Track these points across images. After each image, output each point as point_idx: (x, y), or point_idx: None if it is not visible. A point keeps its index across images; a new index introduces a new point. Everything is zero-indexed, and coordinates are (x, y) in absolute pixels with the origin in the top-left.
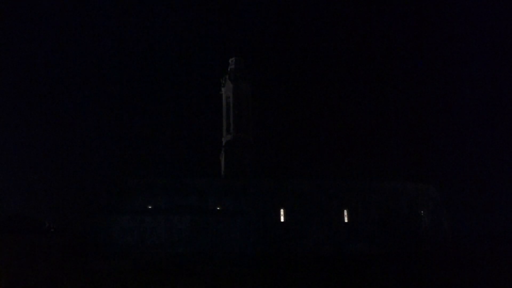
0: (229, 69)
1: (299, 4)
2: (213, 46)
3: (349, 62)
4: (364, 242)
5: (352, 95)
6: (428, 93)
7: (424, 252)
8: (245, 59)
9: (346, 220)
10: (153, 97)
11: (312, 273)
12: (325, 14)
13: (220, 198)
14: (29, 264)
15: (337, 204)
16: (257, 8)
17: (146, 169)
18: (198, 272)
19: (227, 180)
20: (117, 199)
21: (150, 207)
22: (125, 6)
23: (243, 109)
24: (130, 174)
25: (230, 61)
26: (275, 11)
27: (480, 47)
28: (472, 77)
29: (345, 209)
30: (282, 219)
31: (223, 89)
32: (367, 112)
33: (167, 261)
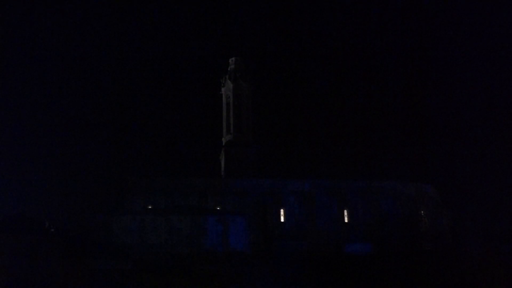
0: (229, 69)
1: (299, 4)
2: (213, 46)
3: (349, 62)
4: (364, 242)
5: (352, 95)
6: (428, 93)
7: (424, 252)
8: (245, 59)
9: (346, 220)
10: (153, 97)
11: (312, 273)
12: (325, 14)
13: (220, 198)
14: (29, 264)
15: (337, 204)
16: (257, 8)
17: (146, 169)
18: (198, 272)
19: (227, 180)
20: (117, 199)
21: (150, 207)
22: (125, 6)
23: (243, 109)
24: (130, 174)
25: (230, 61)
26: (275, 11)
27: (480, 47)
28: (472, 77)
29: (345, 209)
30: (282, 219)
31: (223, 89)
32: (367, 112)
33: (167, 261)
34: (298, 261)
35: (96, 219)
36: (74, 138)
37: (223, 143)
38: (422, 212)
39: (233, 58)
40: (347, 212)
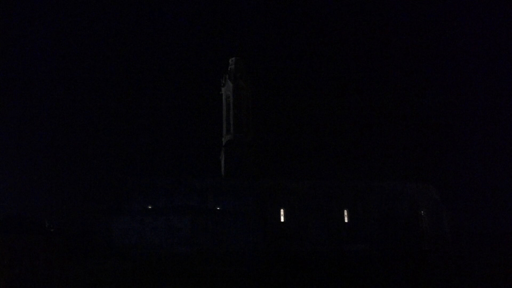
0: (229, 69)
1: (299, 4)
2: (213, 46)
3: (349, 62)
4: (364, 242)
5: (352, 95)
6: (428, 93)
7: (424, 252)
8: (245, 59)
9: (346, 220)
10: (153, 97)
11: (312, 273)
12: (325, 14)
13: (220, 198)
14: (29, 264)
15: (337, 204)
16: (257, 8)
17: (146, 169)
18: (198, 272)
19: (227, 180)
20: (117, 199)
21: (150, 207)
22: (125, 6)
23: (243, 109)
24: (130, 174)
25: (230, 61)
26: (275, 11)
27: (480, 47)
28: (472, 77)
29: (345, 209)
30: (282, 219)
31: (223, 89)
32: (367, 112)
33: (167, 261)
34: (298, 261)
35: (96, 219)
36: (74, 138)
37: (223, 143)
38: (422, 212)
39: (233, 58)
40: (347, 212)
